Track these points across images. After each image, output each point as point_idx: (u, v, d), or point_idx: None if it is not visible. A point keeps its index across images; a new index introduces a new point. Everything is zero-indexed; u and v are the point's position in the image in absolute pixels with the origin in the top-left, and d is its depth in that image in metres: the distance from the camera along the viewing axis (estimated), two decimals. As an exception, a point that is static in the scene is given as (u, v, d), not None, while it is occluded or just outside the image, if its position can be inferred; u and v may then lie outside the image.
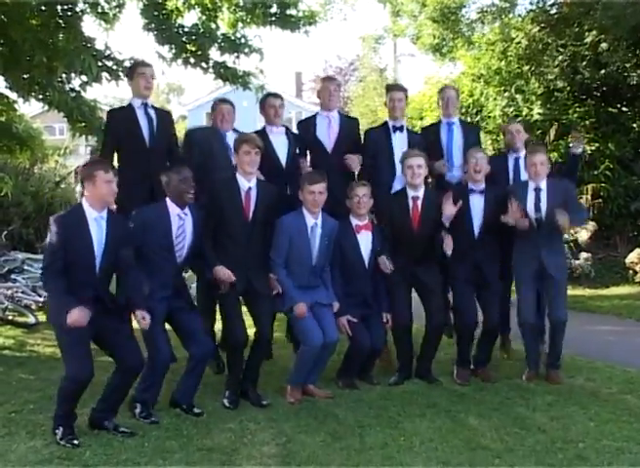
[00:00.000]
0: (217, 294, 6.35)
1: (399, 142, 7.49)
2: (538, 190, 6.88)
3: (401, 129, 7.57)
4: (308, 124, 7.54)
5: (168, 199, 6.00)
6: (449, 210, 6.73)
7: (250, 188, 6.26)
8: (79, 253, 5.29)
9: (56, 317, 5.31)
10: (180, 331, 6.14)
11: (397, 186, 7.28)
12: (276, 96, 7.48)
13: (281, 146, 7.24)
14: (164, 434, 5.54)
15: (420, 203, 6.86)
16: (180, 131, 7.35)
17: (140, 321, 5.50)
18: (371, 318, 6.86)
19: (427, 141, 7.57)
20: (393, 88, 7.93)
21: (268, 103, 7.32)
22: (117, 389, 5.61)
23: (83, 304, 5.18)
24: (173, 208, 5.95)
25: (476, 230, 6.98)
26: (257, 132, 6.97)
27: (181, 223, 5.95)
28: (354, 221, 6.80)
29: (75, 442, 5.28)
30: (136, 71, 6.87)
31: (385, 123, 7.74)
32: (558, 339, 6.98)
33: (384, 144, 7.44)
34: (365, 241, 6.80)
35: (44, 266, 5.42)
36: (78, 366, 5.28)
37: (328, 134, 7.40)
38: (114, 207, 5.78)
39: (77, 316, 5.12)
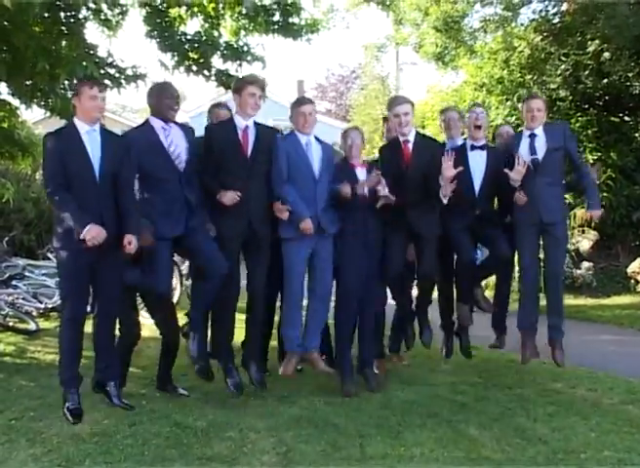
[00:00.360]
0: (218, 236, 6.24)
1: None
2: (532, 136, 6.82)
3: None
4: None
5: (151, 117, 6.08)
6: (448, 171, 6.42)
7: (247, 126, 6.31)
8: (77, 166, 5.39)
9: (62, 238, 5.43)
10: (194, 252, 6.16)
11: None
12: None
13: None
14: (164, 442, 5.51)
15: (410, 145, 6.80)
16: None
17: (125, 245, 5.50)
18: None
19: None
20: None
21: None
22: (99, 335, 5.78)
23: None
24: (156, 122, 6.01)
25: (477, 187, 6.92)
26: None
27: (167, 133, 5.99)
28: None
29: (79, 411, 5.49)
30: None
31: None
32: (557, 296, 6.92)
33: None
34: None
35: (48, 186, 5.46)
36: (73, 298, 5.48)
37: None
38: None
39: (95, 231, 5.27)
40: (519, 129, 7.80)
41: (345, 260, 6.60)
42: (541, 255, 7.08)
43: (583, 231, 13.76)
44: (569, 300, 11.57)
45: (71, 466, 5.07)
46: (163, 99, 6.06)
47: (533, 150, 6.77)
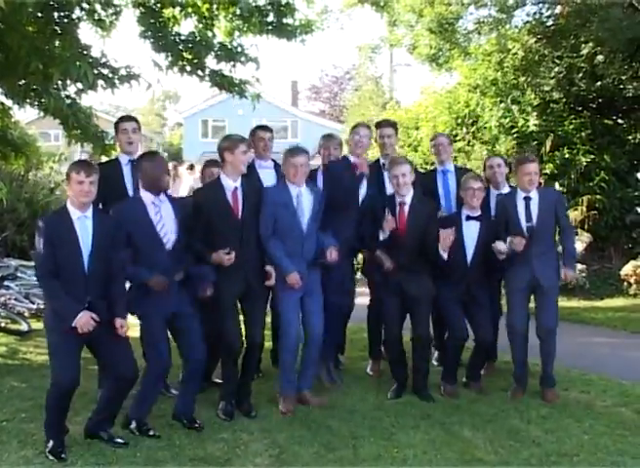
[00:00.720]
0: (212, 298, 6.21)
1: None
2: (527, 199, 6.86)
3: None
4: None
5: (141, 189, 5.95)
6: (447, 241, 6.64)
7: (236, 188, 6.27)
8: (67, 253, 5.25)
9: (53, 320, 5.28)
10: (178, 336, 6.05)
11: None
12: (265, 128, 7.46)
13: (269, 181, 7.19)
14: (156, 444, 5.51)
15: (406, 208, 6.81)
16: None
17: (117, 328, 5.39)
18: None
19: (423, 187, 7.40)
20: (382, 124, 7.91)
21: (257, 136, 7.33)
22: (111, 400, 5.60)
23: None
24: (147, 196, 5.87)
25: (469, 257, 6.95)
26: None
27: (157, 210, 5.84)
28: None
29: (63, 456, 5.25)
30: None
31: (377, 160, 7.79)
32: (549, 351, 6.92)
33: (374, 181, 7.40)
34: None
35: (38, 270, 5.42)
36: (64, 372, 5.26)
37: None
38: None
39: (85, 320, 5.15)
40: (509, 156, 7.82)
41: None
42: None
43: (577, 233, 13.75)
44: (562, 303, 11.46)
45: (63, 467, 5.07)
46: (152, 172, 5.89)
47: (529, 216, 6.83)
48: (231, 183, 6.25)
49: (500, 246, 6.67)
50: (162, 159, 6.08)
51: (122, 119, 7.07)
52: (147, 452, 5.35)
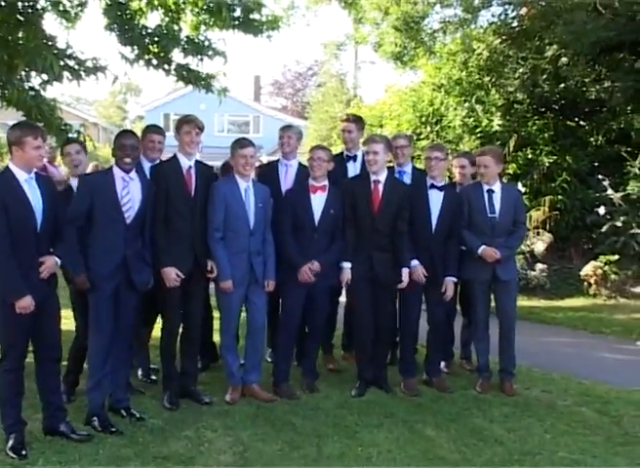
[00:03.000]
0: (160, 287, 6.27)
1: (354, 171, 7.62)
2: (490, 192, 7.04)
3: (355, 158, 7.67)
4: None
5: (114, 165, 6.00)
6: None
7: (190, 166, 6.40)
8: (18, 214, 5.20)
9: (4, 295, 5.20)
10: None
11: None
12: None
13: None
14: (119, 441, 5.46)
15: (380, 187, 6.85)
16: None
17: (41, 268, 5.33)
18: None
19: None
20: (344, 119, 7.98)
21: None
22: (46, 380, 5.58)
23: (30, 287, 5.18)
24: (117, 171, 5.92)
25: (434, 224, 6.97)
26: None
27: (126, 185, 5.88)
28: (310, 182, 6.85)
29: (24, 453, 5.19)
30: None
31: (341, 153, 7.87)
32: (509, 341, 7.09)
33: (340, 173, 7.43)
34: (318, 200, 6.82)
35: None
36: (16, 354, 5.28)
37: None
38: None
39: (26, 304, 5.13)
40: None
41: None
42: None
43: (538, 233, 13.87)
44: (523, 302, 11.67)
45: (24, 465, 5.01)
46: (117, 151, 5.97)
47: (492, 209, 7.01)
48: (186, 162, 6.40)
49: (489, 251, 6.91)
50: (127, 139, 6.04)
51: (69, 142, 7.16)
52: (110, 450, 5.30)
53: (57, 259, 5.42)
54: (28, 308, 5.14)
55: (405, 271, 6.79)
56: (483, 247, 6.91)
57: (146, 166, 6.75)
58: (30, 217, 5.26)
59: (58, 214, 5.50)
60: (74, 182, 6.30)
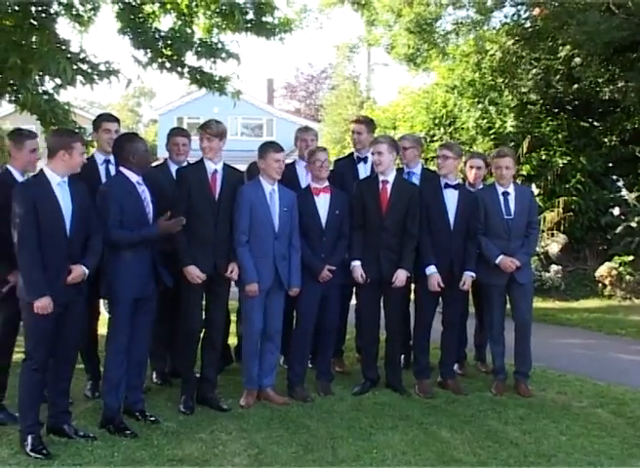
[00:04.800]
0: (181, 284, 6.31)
1: (364, 172, 7.61)
2: (506, 194, 7.06)
3: (365, 160, 7.65)
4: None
5: (125, 169, 5.97)
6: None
7: (216, 170, 6.38)
8: (49, 218, 5.25)
9: (25, 293, 5.23)
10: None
11: None
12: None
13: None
14: (134, 444, 5.46)
15: (389, 187, 6.86)
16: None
17: (72, 270, 5.36)
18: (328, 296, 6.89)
19: None
20: (355, 120, 7.98)
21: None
22: (58, 382, 5.62)
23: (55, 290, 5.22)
24: (132, 176, 5.93)
25: (452, 223, 6.94)
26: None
27: (142, 189, 5.96)
28: (313, 185, 6.85)
29: (45, 452, 5.21)
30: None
31: (352, 154, 7.91)
32: (525, 343, 7.08)
33: (350, 175, 7.47)
34: (323, 202, 6.82)
35: (17, 238, 5.23)
36: (41, 352, 5.31)
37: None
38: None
39: (44, 304, 5.15)
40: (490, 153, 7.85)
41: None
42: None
43: (553, 234, 13.84)
44: (537, 303, 11.62)
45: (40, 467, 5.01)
46: (146, 154, 6.04)
47: (508, 210, 7.03)
48: (212, 166, 6.36)
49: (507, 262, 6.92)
50: (143, 140, 6.14)
51: (105, 118, 6.99)
52: (125, 452, 5.30)
53: (85, 270, 5.43)
54: (46, 309, 5.15)
55: (402, 272, 6.77)
56: (501, 257, 6.91)
57: (173, 169, 6.77)
58: (61, 221, 5.32)
59: (89, 220, 5.53)
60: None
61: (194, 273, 6.18)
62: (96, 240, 5.57)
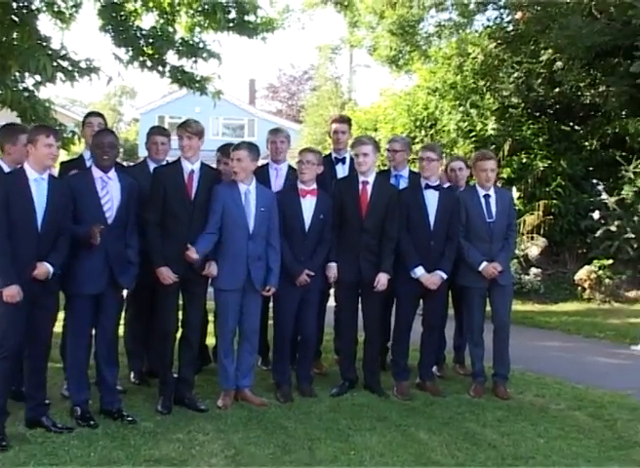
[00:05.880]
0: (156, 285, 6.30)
1: (342, 173, 7.61)
2: (487, 197, 7.07)
3: (343, 161, 7.67)
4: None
5: (93, 164, 6.04)
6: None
7: (192, 170, 6.33)
8: (20, 211, 5.32)
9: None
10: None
11: None
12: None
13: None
14: (110, 444, 5.42)
15: (369, 188, 6.84)
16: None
17: (35, 270, 5.39)
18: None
19: None
20: (337, 120, 7.95)
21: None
22: (33, 375, 5.69)
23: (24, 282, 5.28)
24: (96, 172, 5.94)
25: (432, 224, 6.92)
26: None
27: (105, 184, 5.91)
28: (300, 186, 6.79)
29: (4, 443, 5.25)
30: None
31: (329, 155, 7.85)
32: (503, 345, 7.10)
33: (328, 176, 7.38)
34: (308, 205, 6.76)
35: None
36: (13, 340, 5.37)
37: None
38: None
39: (12, 293, 5.22)
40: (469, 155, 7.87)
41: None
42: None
43: (532, 237, 13.89)
44: (517, 306, 11.65)
45: (15, 467, 4.96)
46: (94, 149, 6.01)
47: (489, 213, 7.04)
48: (189, 166, 6.32)
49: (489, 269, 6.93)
50: (105, 138, 6.04)
51: (89, 114, 7.11)
52: (102, 452, 5.26)
53: (49, 267, 5.44)
54: (15, 297, 5.21)
55: (383, 276, 6.76)
56: (484, 264, 6.91)
57: (152, 167, 6.74)
58: (32, 216, 5.37)
59: (62, 220, 5.56)
60: None
61: (166, 274, 6.16)
62: (63, 239, 5.59)
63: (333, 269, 6.81)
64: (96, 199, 5.86)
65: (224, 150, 7.15)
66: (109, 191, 5.91)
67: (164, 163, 6.80)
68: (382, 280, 6.75)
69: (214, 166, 6.97)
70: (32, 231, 5.37)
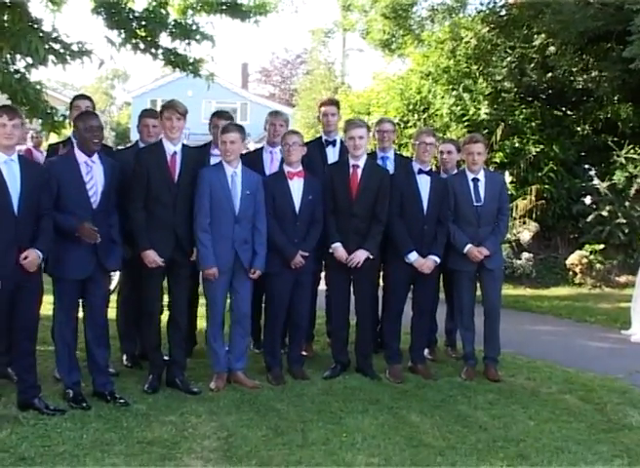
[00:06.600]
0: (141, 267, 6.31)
1: (333, 156, 7.57)
2: (476, 180, 7.09)
3: (334, 143, 7.63)
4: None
5: (76, 148, 5.96)
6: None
7: (175, 152, 6.30)
8: None
9: None
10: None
11: None
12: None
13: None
14: (103, 426, 5.44)
15: (359, 171, 6.85)
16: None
17: (23, 260, 5.36)
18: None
19: None
20: (326, 103, 7.91)
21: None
22: (22, 358, 5.70)
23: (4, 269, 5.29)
24: (80, 156, 5.88)
25: (425, 208, 6.94)
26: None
27: (89, 169, 5.87)
28: (287, 168, 6.78)
29: None
30: None
31: (319, 138, 7.86)
32: (494, 328, 7.16)
33: (319, 159, 7.41)
34: (297, 187, 6.77)
35: None
36: None
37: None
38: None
39: None
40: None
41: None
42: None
43: (524, 222, 13.90)
44: (508, 290, 11.72)
45: (7, 450, 4.96)
46: (83, 133, 5.90)
47: (478, 197, 7.06)
48: (171, 148, 6.30)
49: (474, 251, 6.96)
50: (89, 117, 6.01)
51: (76, 97, 7.06)
52: (94, 434, 5.27)
53: (39, 253, 5.43)
54: None
55: (362, 252, 6.75)
56: (469, 246, 6.95)
57: None
58: (6, 200, 5.29)
59: (40, 201, 5.50)
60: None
61: (152, 257, 6.17)
62: (46, 221, 5.55)
63: (339, 249, 6.79)
64: (81, 184, 5.81)
65: (222, 115, 7.33)
66: (94, 176, 5.88)
67: None
68: (358, 254, 6.74)
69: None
70: (9, 216, 5.31)
